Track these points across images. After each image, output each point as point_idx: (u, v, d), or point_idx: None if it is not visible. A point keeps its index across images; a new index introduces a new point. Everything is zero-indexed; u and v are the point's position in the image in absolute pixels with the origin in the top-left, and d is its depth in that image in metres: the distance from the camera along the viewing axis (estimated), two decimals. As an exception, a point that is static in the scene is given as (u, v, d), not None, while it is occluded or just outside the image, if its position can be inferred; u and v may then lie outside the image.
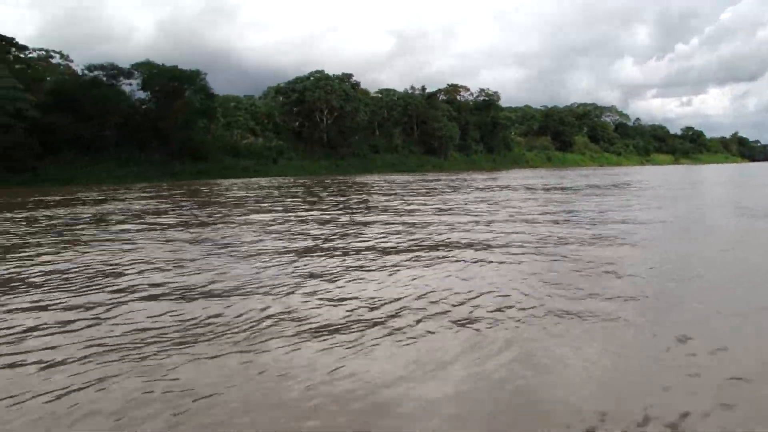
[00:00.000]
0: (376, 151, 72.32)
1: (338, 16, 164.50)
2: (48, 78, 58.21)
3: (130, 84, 59.79)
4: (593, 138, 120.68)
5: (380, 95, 77.19)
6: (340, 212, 17.56)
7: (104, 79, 58.21)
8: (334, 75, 68.55)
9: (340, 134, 68.02)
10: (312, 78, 67.97)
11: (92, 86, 57.31)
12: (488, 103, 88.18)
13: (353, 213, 17.34)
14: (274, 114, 68.89)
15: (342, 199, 24.40)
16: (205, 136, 61.50)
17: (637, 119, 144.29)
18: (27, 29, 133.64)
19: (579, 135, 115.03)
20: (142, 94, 60.03)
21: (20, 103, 52.00)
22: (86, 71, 58.02)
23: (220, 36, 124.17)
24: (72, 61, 61.59)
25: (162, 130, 58.73)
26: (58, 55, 61.21)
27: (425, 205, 19.76)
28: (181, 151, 59.03)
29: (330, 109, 67.20)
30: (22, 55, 57.72)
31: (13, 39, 56.97)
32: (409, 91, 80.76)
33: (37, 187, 52.71)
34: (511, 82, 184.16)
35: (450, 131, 78.32)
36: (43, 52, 60.83)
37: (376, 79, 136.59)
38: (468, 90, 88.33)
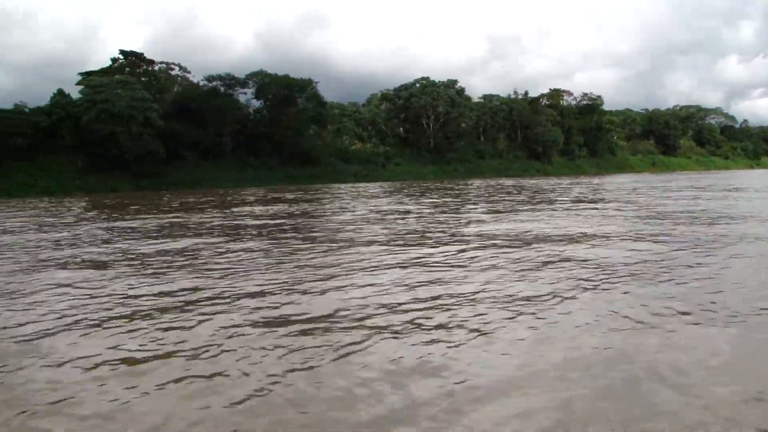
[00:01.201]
0: (481, 156, 72.16)
1: (431, 21, 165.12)
2: (174, 89, 61.38)
3: (245, 93, 62.26)
4: (698, 141, 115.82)
5: (483, 100, 77.17)
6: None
7: (222, 88, 60.74)
8: (439, 81, 69.08)
9: (445, 140, 68.29)
10: (418, 84, 68.75)
11: (211, 96, 60.07)
12: (591, 107, 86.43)
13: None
14: (378, 120, 69.93)
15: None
16: (316, 142, 63.13)
17: (745, 121, 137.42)
18: (136, 43, 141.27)
19: (684, 138, 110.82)
20: (256, 103, 62.38)
21: (149, 112, 55.22)
22: (206, 82, 60.84)
23: (314, 44, 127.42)
24: (189, 73, 64.92)
25: (275, 137, 60.69)
26: (177, 67, 64.49)
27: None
28: (293, 156, 60.79)
29: (436, 115, 67.62)
30: (149, 69, 61.09)
31: (141, 54, 60.62)
32: (512, 96, 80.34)
33: (179, 190, 55.56)
34: (607, 84, 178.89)
35: (554, 136, 77.25)
36: (164, 65, 64.21)
37: (468, 83, 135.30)
38: (571, 94, 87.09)
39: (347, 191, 43.63)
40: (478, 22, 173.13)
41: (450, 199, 28.93)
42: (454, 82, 70.20)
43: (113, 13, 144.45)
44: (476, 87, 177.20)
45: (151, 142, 55.64)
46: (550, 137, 77.17)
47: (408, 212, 20.69)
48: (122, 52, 60.35)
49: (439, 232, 14.23)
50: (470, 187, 44.57)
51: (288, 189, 50.90)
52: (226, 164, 59.46)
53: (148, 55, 61.55)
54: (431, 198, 30.04)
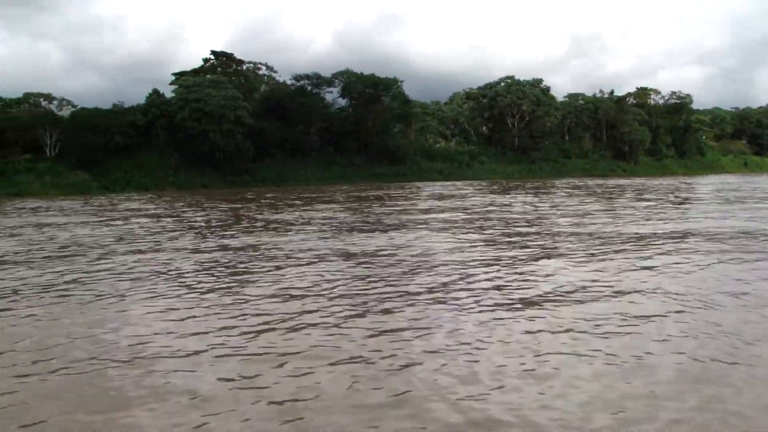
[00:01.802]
0: (567, 155, 70.49)
1: (509, 20, 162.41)
2: (261, 88, 62.52)
3: (331, 92, 62.73)
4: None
5: (568, 99, 75.43)
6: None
7: (309, 87, 61.41)
8: (524, 80, 67.94)
9: (530, 138, 67.03)
10: (503, 83, 67.81)
11: (299, 95, 60.77)
12: (679, 105, 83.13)
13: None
14: (461, 119, 69.32)
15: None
16: (401, 140, 63.08)
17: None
18: (218, 44, 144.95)
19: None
20: (341, 101, 62.79)
21: (240, 111, 56.30)
22: (294, 81, 61.64)
23: (391, 43, 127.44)
24: (276, 72, 65.98)
25: (361, 135, 60.92)
26: (264, 67, 65.66)
27: None
28: (379, 154, 60.86)
29: (521, 114, 66.51)
30: (238, 68, 62.42)
31: (231, 54, 62.01)
32: (597, 95, 78.19)
33: (267, 187, 56.49)
34: (692, 82, 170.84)
35: (640, 135, 74.69)
36: (251, 65, 65.48)
37: (547, 81, 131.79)
38: (658, 92, 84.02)
39: (472, 191, 43.34)
40: (557, 20, 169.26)
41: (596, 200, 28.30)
42: (539, 81, 68.82)
43: (197, 15, 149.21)
44: (555, 86, 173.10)
45: (241, 140, 56.71)
46: (637, 137, 74.67)
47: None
48: (213, 52, 61.97)
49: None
50: (572, 186, 43.62)
51: (388, 186, 51.01)
52: (312, 162, 60.06)
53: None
54: (576, 197, 29.46)
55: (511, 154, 66.82)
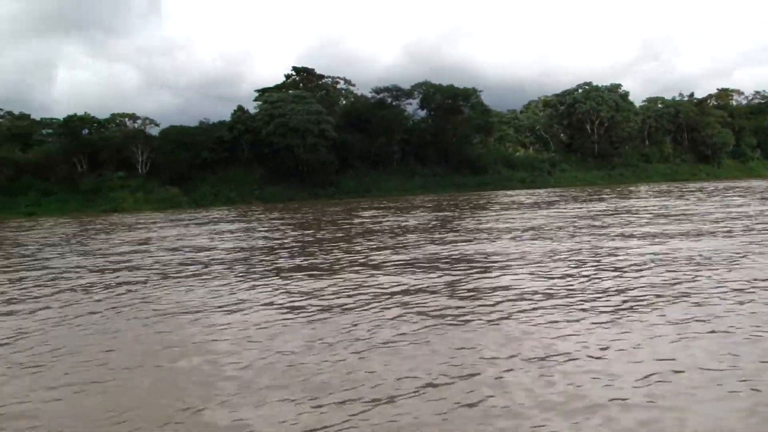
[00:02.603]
0: (647, 160, 69.15)
1: (576, 26, 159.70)
2: (340, 101, 63.52)
3: (410, 103, 63.19)
4: None
5: (647, 103, 74.07)
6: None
7: (389, 99, 62.02)
8: (602, 86, 67.06)
9: (610, 144, 66.02)
10: (580, 90, 67.09)
11: (379, 107, 61.41)
12: (764, 105, 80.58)
13: None
14: (537, 126, 68.84)
15: None
16: (482, 149, 63.08)
17: None
18: (288, 60, 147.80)
19: None
20: (421, 112, 63.17)
21: (324, 125, 57.23)
22: (374, 94, 62.37)
23: (459, 54, 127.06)
24: (354, 86, 66.81)
25: (441, 145, 61.13)
26: (342, 81, 66.67)
27: None
28: (460, 164, 60.94)
29: (600, 120, 65.59)
30: (319, 83, 63.59)
31: (312, 69, 63.23)
32: (677, 98, 76.51)
33: (352, 198, 57.16)
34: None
35: (723, 138, 72.62)
36: (329, 79, 66.56)
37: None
38: (741, 93, 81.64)
39: (585, 200, 42.94)
40: (626, 24, 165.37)
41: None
42: (618, 86, 67.74)
43: (266, 33, 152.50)
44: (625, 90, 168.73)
45: (325, 153, 57.66)
46: (720, 139, 72.59)
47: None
48: (294, 68, 63.37)
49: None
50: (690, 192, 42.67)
51: (488, 195, 50.98)
52: (394, 173, 60.55)
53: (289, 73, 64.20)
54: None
55: (592, 160, 65.93)
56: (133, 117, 71.62)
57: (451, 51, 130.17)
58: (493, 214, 28.84)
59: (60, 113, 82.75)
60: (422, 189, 58.74)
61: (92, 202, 58.52)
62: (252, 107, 62.41)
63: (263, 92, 62.11)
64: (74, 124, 61.47)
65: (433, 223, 24.90)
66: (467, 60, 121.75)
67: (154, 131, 65.59)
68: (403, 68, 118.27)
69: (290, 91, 59.20)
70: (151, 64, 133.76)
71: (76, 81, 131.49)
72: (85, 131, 63.73)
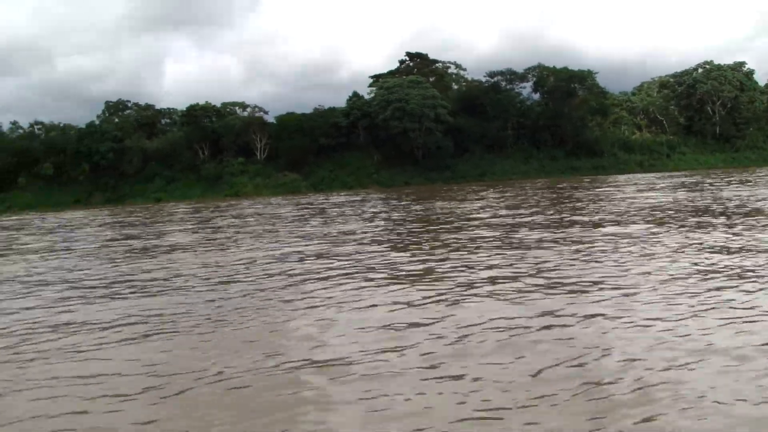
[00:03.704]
0: (775, 142, 66.09)
1: (682, 5, 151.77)
2: (453, 86, 63.55)
3: (524, 87, 62.59)
4: None
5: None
6: None
7: (503, 83, 61.62)
8: (725, 65, 64.44)
9: (733, 126, 63.44)
10: (700, 69, 64.73)
11: (493, 91, 61.06)
12: None
13: None
14: (651, 108, 66.85)
15: None
16: (598, 132, 61.90)
17: None
18: (387, 47, 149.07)
19: None
20: (535, 96, 62.48)
21: (439, 109, 57.38)
22: (488, 78, 62.08)
23: (558, 37, 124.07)
24: (465, 70, 66.67)
25: (557, 128, 60.32)
26: (452, 65, 66.61)
27: None
28: (575, 147, 60.00)
29: (722, 101, 63.12)
30: (432, 68, 63.81)
31: (426, 54, 63.48)
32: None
33: (468, 182, 57.18)
34: None
35: None
36: (440, 64, 66.61)
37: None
38: None
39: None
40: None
41: None
42: (741, 64, 64.93)
43: (364, 21, 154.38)
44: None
45: (441, 138, 57.85)
46: None
47: None
48: (407, 53, 63.82)
49: None
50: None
51: (615, 180, 50.19)
52: (509, 156, 60.18)
53: (396, 57, 64.58)
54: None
55: (713, 143, 63.61)
56: (242, 106, 73.58)
57: (550, 34, 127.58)
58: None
59: (168, 105, 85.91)
60: (539, 172, 58.17)
61: (214, 188, 60.77)
62: (350, 93, 63.29)
63: (377, 78, 62.78)
64: (196, 113, 63.74)
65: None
66: (566, 43, 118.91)
67: (268, 119, 67.31)
68: (501, 53, 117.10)
69: (407, 77, 59.40)
70: (254, 54, 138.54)
71: (183, 73, 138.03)
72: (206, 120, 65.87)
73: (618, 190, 30.96)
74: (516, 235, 14.76)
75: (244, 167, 61.85)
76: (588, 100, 60.38)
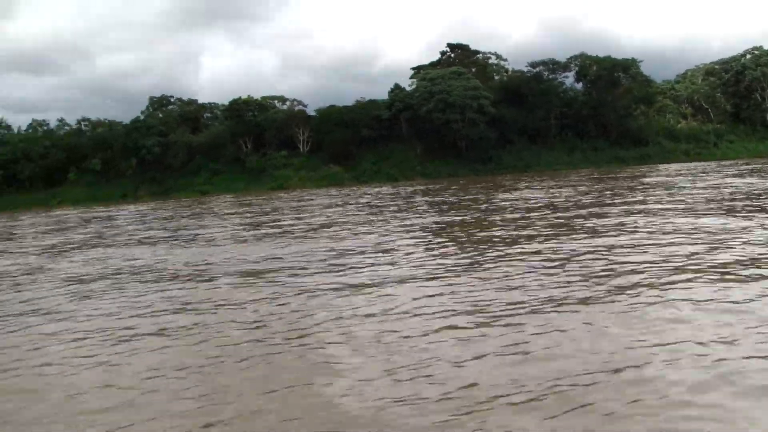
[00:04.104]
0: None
1: None
2: (494, 77, 63.36)
3: (567, 76, 62.15)
4: None
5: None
6: None
7: (545, 73, 61.25)
8: (775, 49, 63.00)
9: (784, 112, 62.30)
10: (749, 55, 63.49)
11: (536, 81, 60.74)
12: None
13: None
14: (696, 96, 65.84)
15: None
16: (643, 121, 61.23)
17: None
18: (423, 38, 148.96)
19: None
20: (577, 85, 62.01)
21: (482, 100, 57.28)
22: (530, 68, 61.77)
23: (594, 26, 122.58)
24: (506, 60, 66.40)
25: (601, 118, 59.81)
26: (493, 56, 66.37)
27: None
28: (620, 137, 59.48)
29: (772, 87, 61.84)
30: (473, 59, 63.69)
31: (467, 46, 63.38)
32: None
33: (512, 174, 56.98)
34: None
35: None
36: (481, 55, 66.42)
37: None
38: None
39: None
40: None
41: None
42: (790, 49, 63.64)
43: (398, 13, 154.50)
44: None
45: (484, 129, 57.79)
46: None
47: None
48: (449, 45, 63.79)
49: None
50: None
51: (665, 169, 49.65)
52: (553, 147, 59.89)
53: (431, 49, 64.41)
54: None
55: (762, 130, 62.43)
56: (282, 99, 74.17)
57: (586, 22, 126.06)
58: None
59: (205, 99, 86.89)
60: (584, 163, 57.77)
61: (258, 180, 61.51)
62: (385, 86, 63.58)
63: (419, 70, 62.87)
64: (239, 107, 64.49)
65: None
66: (603, 31, 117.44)
67: (308, 112, 67.82)
68: (538, 42, 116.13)
69: (450, 68, 59.38)
70: (289, 48, 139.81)
71: (219, 68, 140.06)
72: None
73: (700, 178, 29.94)
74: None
75: (287, 160, 62.51)
76: (632, 89, 59.71)
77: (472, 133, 57.38)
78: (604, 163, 57.32)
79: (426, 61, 65.39)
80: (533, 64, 61.36)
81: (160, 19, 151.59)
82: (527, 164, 57.84)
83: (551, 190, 27.62)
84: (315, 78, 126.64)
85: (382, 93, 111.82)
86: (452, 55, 63.60)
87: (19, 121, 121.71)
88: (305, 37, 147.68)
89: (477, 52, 64.47)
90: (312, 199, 36.35)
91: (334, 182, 58.73)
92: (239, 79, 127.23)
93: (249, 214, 27.37)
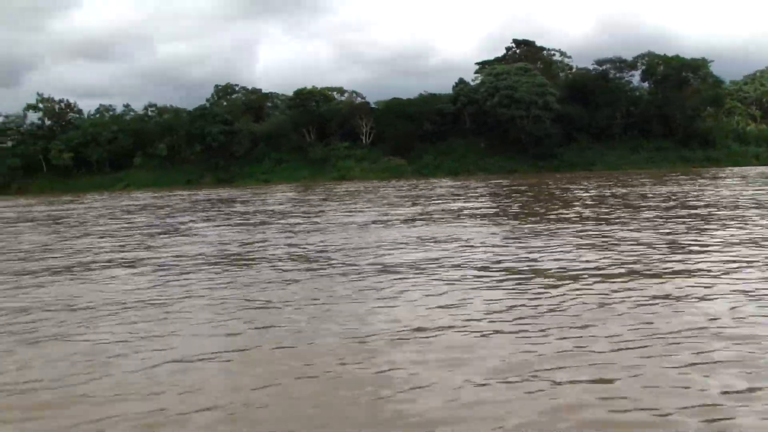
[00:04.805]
0: None
1: None
2: (559, 73, 63.14)
3: (632, 75, 61.60)
4: None
5: None
6: None
7: (612, 72, 60.81)
8: None
9: None
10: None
11: (601, 79, 60.35)
12: None
13: None
14: (765, 99, 64.70)
15: None
16: (711, 123, 60.38)
17: None
18: (477, 34, 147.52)
19: None
20: (644, 84, 61.41)
21: (548, 97, 57.17)
22: (596, 66, 61.41)
23: (654, 24, 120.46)
24: (570, 57, 66.08)
25: (667, 118, 59.18)
26: (557, 53, 66.20)
27: None
28: (687, 138, 58.77)
29: None
30: (539, 55, 63.59)
31: (533, 42, 63.42)
32: None
33: (575, 172, 56.74)
34: None
35: None
36: (545, 52, 66.23)
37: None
38: None
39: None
40: None
41: None
42: None
43: (454, 8, 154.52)
44: None
45: (549, 126, 57.69)
46: None
47: None
48: (514, 40, 63.68)
49: None
50: None
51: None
52: (617, 146, 59.49)
53: (486, 46, 64.33)
54: None
55: (840, 135, 61.07)
56: (340, 91, 75.04)
57: (646, 20, 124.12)
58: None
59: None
60: (649, 163, 57.24)
61: (321, 171, 62.34)
62: (438, 80, 64.11)
63: (483, 65, 62.98)
64: (303, 97, 65.40)
65: None
66: (664, 30, 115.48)
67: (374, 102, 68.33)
68: (596, 40, 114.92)
69: (516, 64, 59.41)
70: (344, 40, 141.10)
71: (275, 58, 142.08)
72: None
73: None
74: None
75: (350, 151, 63.25)
76: (701, 90, 58.92)
77: (536, 129, 57.31)
78: (670, 164, 56.73)
79: (482, 57, 66.06)
80: (599, 62, 61.01)
81: (219, 8, 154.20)
82: (590, 162, 57.64)
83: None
84: (369, 70, 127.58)
85: (435, 87, 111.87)
86: (517, 51, 63.55)
87: (84, 106, 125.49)
88: (360, 30, 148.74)
89: (542, 48, 64.37)
90: (431, 189, 36.86)
91: (396, 175, 59.12)
92: (294, 70, 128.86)
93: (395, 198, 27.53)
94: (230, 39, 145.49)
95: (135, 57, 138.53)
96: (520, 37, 65.26)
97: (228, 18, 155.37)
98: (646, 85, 61.47)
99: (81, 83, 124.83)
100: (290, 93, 72.81)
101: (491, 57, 66.53)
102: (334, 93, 74.06)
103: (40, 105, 71.13)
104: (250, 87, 74.64)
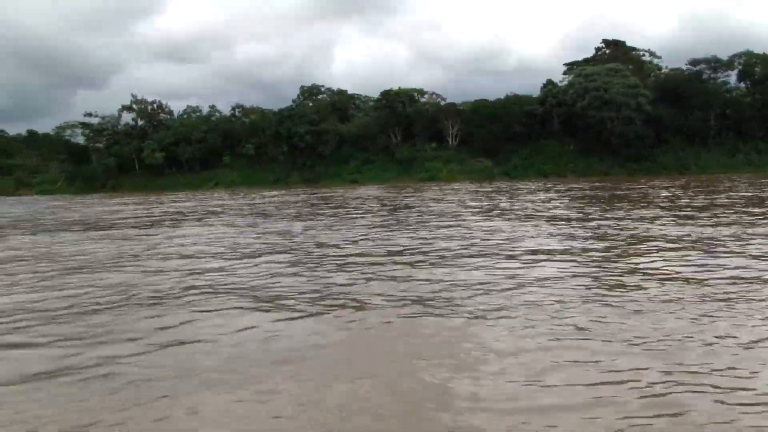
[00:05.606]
0: None
1: None
2: (651, 74, 62.31)
3: (728, 75, 60.32)
4: None
5: None
6: None
7: (707, 72, 59.69)
8: None
9: None
10: None
11: (696, 79, 59.28)
12: None
13: None
14: None
15: None
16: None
17: None
18: (554, 35, 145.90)
19: None
20: (741, 84, 60.01)
21: (640, 98, 56.50)
22: (690, 66, 60.34)
23: (741, 22, 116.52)
24: (660, 58, 65.21)
25: (766, 119, 57.77)
26: (647, 53, 65.27)
27: None
28: (787, 139, 57.37)
29: None
30: (629, 56, 62.89)
31: (623, 42, 62.61)
32: None
33: (670, 175, 55.88)
34: None
35: None
36: (635, 52, 65.37)
37: None
38: None
39: None
40: None
41: None
42: None
43: (532, 7, 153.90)
44: None
45: (641, 127, 57.04)
46: None
47: None
48: (604, 41, 63.10)
49: None
50: None
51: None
52: (712, 149, 58.42)
53: (557, 47, 63.70)
54: None
55: None
56: (420, 92, 75.36)
57: (735, 17, 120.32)
58: None
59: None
60: (746, 166, 56.04)
61: (408, 172, 63.11)
62: (515, 80, 64.10)
63: (572, 66, 62.62)
64: (390, 98, 66.20)
65: None
66: (754, 26, 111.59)
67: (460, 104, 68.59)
68: (679, 38, 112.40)
69: (608, 65, 58.87)
70: (420, 41, 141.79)
71: (351, 59, 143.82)
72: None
73: None
74: None
75: (437, 152, 63.90)
76: (805, 91, 57.27)
77: (628, 131, 56.75)
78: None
79: (558, 57, 65.96)
80: (693, 62, 59.89)
81: (296, 10, 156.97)
82: (684, 165, 56.79)
83: None
84: (445, 71, 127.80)
85: (513, 87, 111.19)
86: (607, 51, 62.92)
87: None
88: (436, 30, 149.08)
89: (633, 48, 63.52)
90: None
91: (484, 177, 59.36)
92: (371, 70, 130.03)
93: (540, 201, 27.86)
94: (307, 40, 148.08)
95: (214, 58, 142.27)
96: (597, 37, 64.84)
97: (305, 19, 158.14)
98: (742, 85, 59.98)
99: (164, 85, 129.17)
100: (369, 93, 74.12)
101: (569, 57, 67.02)
102: (415, 94, 74.68)
103: (134, 106, 73.97)
104: (335, 88, 75.81)
